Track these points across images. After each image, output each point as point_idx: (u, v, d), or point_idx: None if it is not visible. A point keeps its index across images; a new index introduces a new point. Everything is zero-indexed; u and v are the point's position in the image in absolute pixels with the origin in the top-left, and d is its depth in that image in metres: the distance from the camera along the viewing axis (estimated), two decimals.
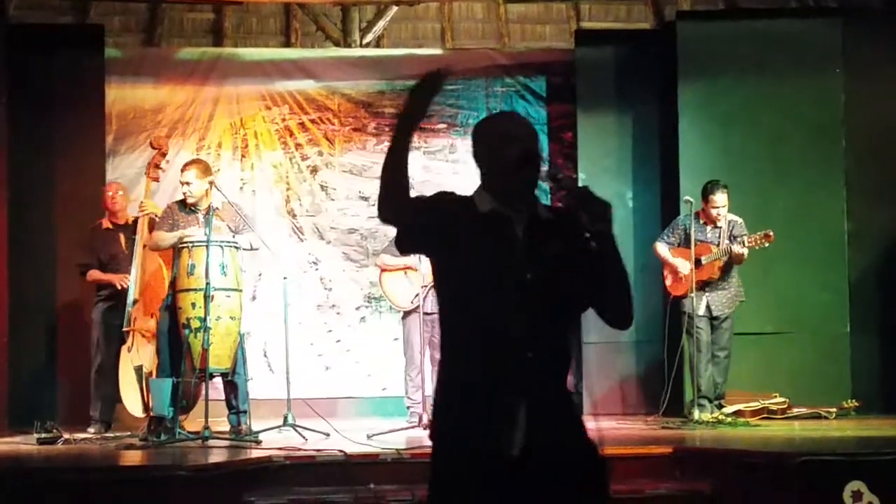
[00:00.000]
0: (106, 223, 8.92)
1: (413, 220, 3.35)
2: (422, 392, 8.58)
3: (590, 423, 3.35)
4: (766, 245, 8.66)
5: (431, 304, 8.74)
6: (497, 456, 3.16)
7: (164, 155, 8.54)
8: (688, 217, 8.90)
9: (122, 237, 8.73)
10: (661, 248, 9.11)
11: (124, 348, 8.29)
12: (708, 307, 8.98)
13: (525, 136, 3.38)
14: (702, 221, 8.97)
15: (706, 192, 8.91)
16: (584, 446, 3.29)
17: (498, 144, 3.36)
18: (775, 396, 9.08)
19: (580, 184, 3.28)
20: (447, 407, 3.34)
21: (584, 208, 3.23)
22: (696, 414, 8.56)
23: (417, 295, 8.77)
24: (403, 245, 3.50)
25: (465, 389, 3.27)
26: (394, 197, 3.31)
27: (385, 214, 3.35)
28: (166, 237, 7.84)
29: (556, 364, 3.32)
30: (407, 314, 9.15)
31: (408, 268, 9.01)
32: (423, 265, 8.57)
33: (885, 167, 10.07)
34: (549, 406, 3.26)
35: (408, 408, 9.04)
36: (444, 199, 3.40)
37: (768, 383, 9.33)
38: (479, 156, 3.45)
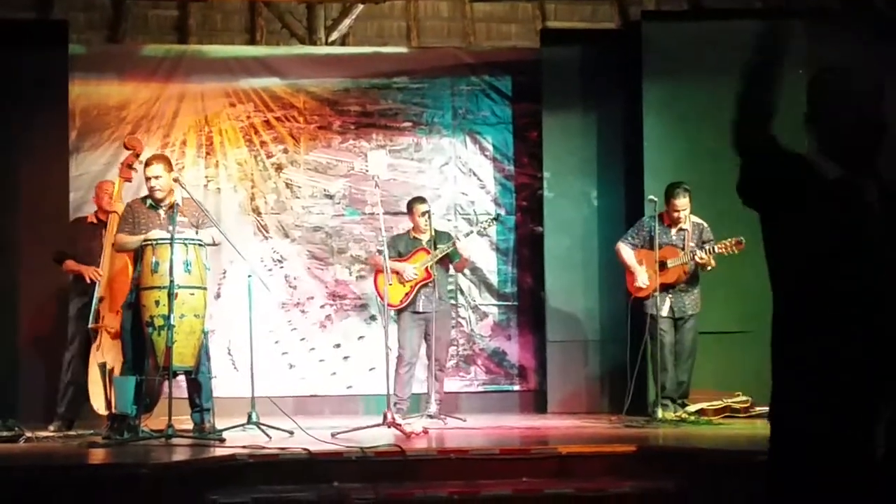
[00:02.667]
0: (91, 217, 8.95)
1: (766, 153, 3.06)
2: (409, 389, 9.19)
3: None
4: (737, 252, 8.71)
5: (423, 304, 9.19)
6: (863, 454, 2.82)
7: (137, 155, 8.53)
8: (652, 219, 8.94)
9: (103, 233, 8.71)
10: (625, 251, 9.14)
11: (94, 346, 8.28)
12: (671, 308, 9.03)
13: (867, 94, 3.09)
14: (665, 224, 9.01)
15: (668, 195, 8.95)
16: None
17: (835, 104, 3.09)
18: (738, 395, 9.11)
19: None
20: (799, 394, 2.94)
21: None
22: (660, 413, 8.60)
23: (407, 294, 9.18)
24: (745, 187, 3.08)
25: (826, 379, 2.87)
26: (757, 112, 3.07)
27: (742, 140, 3.06)
28: (130, 240, 7.80)
29: None
30: (400, 312, 9.34)
31: (398, 273, 9.19)
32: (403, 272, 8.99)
33: None
34: None
35: (395, 404, 9.00)
36: (785, 153, 3.07)
37: (731, 382, 9.35)
38: (814, 115, 3.16)
